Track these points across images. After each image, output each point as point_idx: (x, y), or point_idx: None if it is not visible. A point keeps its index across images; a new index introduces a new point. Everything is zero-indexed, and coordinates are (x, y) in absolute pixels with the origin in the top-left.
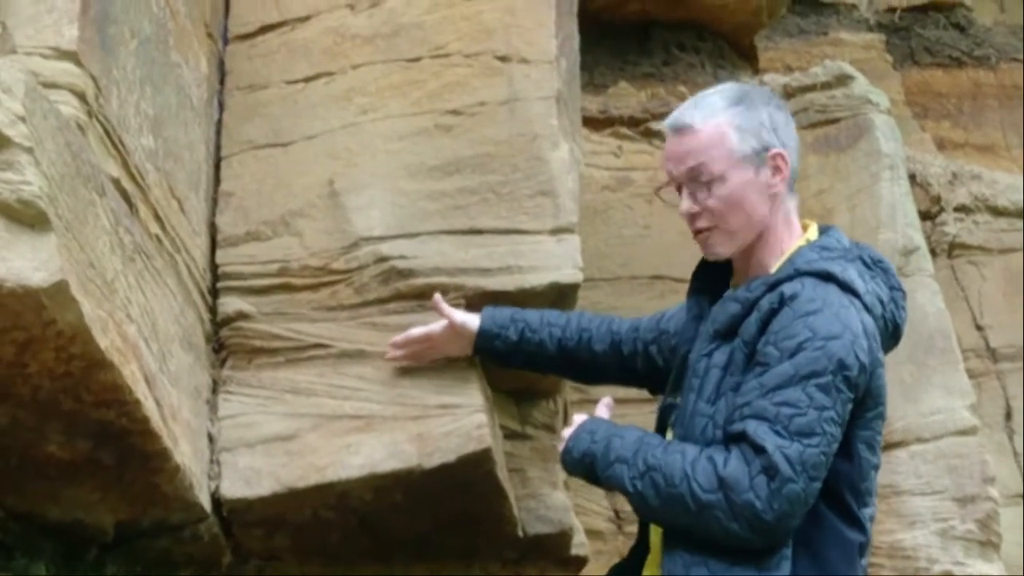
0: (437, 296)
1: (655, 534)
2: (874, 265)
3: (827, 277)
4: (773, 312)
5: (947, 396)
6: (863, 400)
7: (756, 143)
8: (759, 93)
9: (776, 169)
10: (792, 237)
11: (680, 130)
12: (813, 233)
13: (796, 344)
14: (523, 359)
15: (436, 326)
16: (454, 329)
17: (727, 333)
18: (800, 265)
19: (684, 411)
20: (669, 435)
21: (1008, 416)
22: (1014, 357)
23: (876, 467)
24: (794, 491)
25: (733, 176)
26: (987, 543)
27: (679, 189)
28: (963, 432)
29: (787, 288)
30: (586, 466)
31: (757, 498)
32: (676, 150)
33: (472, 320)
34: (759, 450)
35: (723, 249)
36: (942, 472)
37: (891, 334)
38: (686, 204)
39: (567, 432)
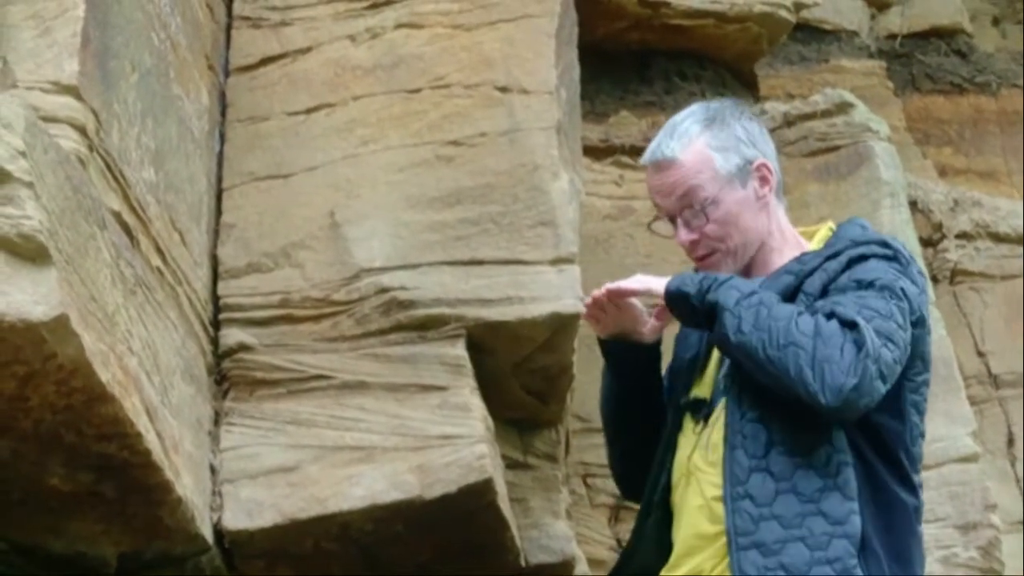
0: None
1: (687, 528)
2: (903, 250)
3: (885, 244)
4: (842, 271)
5: (949, 423)
6: (914, 360)
7: (739, 159)
8: (728, 108)
9: (763, 179)
10: (788, 239)
11: (660, 165)
12: (834, 225)
13: (875, 277)
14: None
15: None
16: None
17: None
18: (854, 237)
19: (735, 379)
20: (688, 433)
21: (1010, 443)
22: (1016, 384)
23: (923, 435)
24: (871, 372)
25: (725, 197)
26: (989, 571)
27: (672, 220)
28: (965, 459)
29: (853, 252)
30: (703, 290)
31: (843, 358)
32: (663, 183)
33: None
34: (851, 324)
35: (727, 269)
36: (944, 499)
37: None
38: (683, 234)
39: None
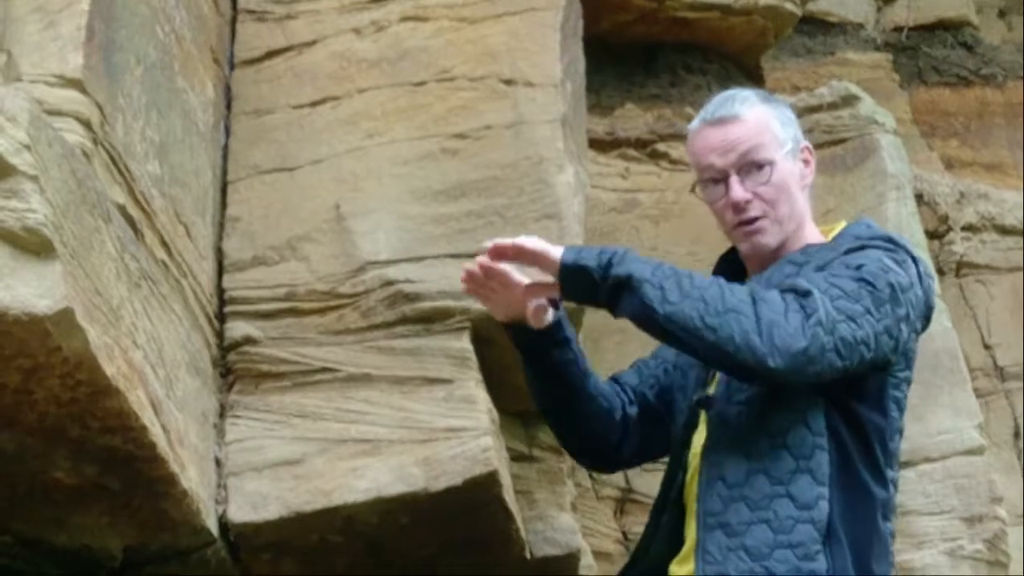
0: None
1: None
2: (909, 247)
3: (889, 240)
4: (837, 257)
5: (954, 416)
6: (896, 357)
7: (793, 133)
8: (775, 96)
9: (806, 162)
10: (813, 232)
11: (725, 120)
12: (843, 224)
13: (863, 263)
14: (567, 360)
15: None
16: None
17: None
18: (859, 234)
19: None
20: (703, 429)
21: (1017, 435)
22: (1022, 376)
23: (900, 432)
24: (823, 341)
25: (782, 164)
26: (995, 563)
27: (723, 180)
28: (971, 452)
29: (854, 244)
30: (603, 264)
31: (788, 321)
32: (724, 139)
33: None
34: (803, 293)
35: (772, 239)
36: (950, 492)
37: (926, 315)
38: (739, 192)
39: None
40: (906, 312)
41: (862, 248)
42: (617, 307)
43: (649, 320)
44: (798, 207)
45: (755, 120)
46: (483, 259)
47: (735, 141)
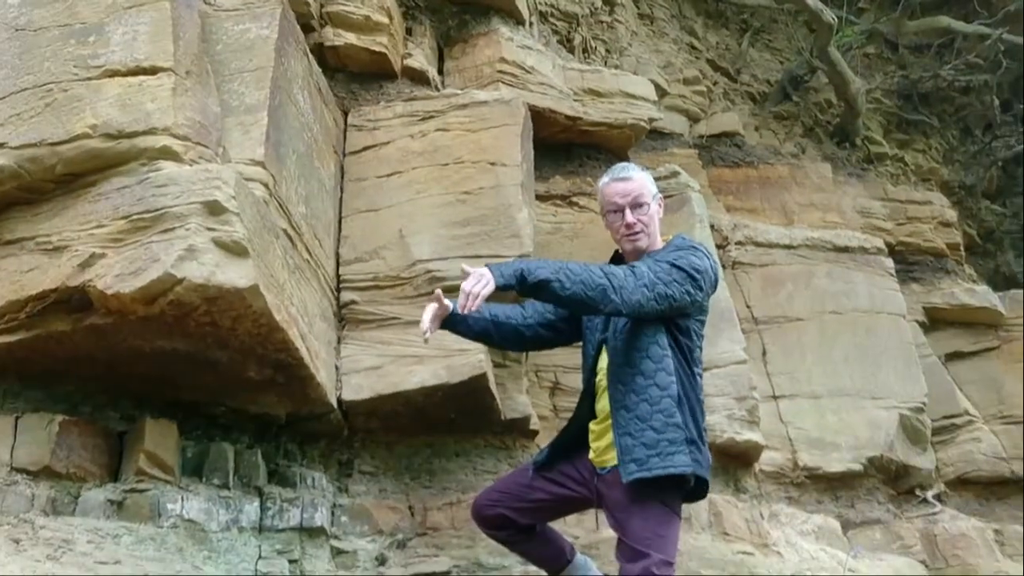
0: (438, 291)
1: (605, 402)
2: (705, 250)
3: (694, 247)
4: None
5: (731, 343)
6: (696, 307)
7: (655, 191)
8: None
9: (660, 206)
10: (659, 241)
11: (624, 179)
12: (671, 237)
13: (676, 258)
14: (471, 328)
15: (443, 307)
16: (445, 310)
17: None
18: (679, 244)
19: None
20: (604, 355)
21: (764, 353)
22: (767, 322)
23: (700, 348)
24: (647, 294)
25: (652, 205)
26: (751, 422)
27: (620, 211)
28: (739, 363)
29: (675, 249)
30: (519, 276)
31: (626, 285)
32: (624, 188)
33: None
34: (635, 269)
35: (643, 243)
36: (728, 384)
37: (714, 285)
38: (630, 218)
39: (478, 272)
40: (700, 283)
41: (678, 250)
42: (535, 296)
43: (556, 299)
44: (656, 228)
45: (639, 180)
46: (467, 302)
47: (629, 190)
